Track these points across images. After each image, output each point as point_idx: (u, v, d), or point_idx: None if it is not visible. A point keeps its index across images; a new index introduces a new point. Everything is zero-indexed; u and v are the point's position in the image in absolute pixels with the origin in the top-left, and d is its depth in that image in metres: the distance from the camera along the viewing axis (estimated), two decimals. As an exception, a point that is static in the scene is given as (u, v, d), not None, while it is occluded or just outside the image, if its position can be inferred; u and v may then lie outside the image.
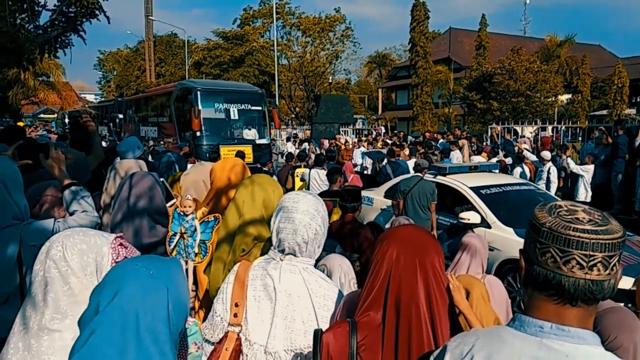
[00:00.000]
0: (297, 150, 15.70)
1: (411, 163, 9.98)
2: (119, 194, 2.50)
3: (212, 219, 2.33)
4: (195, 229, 2.29)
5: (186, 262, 2.21)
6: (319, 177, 7.81)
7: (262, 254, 1.92)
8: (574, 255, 0.96)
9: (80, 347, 0.99)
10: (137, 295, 1.04)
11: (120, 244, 1.47)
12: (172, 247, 2.31)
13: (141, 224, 2.48)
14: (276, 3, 30.29)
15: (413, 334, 1.30)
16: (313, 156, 11.32)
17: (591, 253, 0.95)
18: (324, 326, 1.54)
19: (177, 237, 2.27)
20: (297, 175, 8.83)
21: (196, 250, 2.27)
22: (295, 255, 1.67)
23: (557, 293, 0.97)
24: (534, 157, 10.55)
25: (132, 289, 1.05)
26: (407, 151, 12.07)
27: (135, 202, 2.47)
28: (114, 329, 1.00)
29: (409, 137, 20.38)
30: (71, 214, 2.33)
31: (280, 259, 1.67)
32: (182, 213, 2.33)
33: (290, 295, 1.61)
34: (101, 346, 0.99)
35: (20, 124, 25.68)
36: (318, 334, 1.40)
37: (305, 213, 1.66)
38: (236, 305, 1.64)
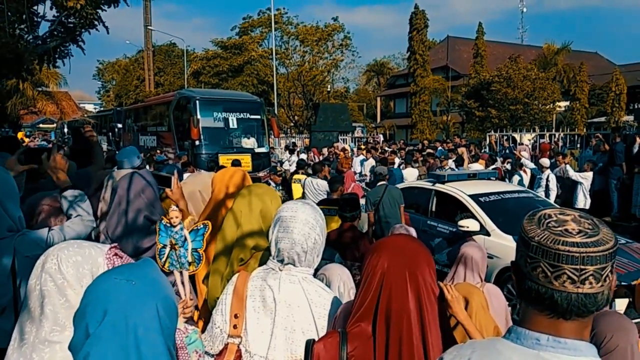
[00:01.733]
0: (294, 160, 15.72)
1: (407, 171, 10.03)
2: (113, 199, 2.51)
3: (202, 226, 2.33)
4: (186, 239, 2.29)
5: (181, 273, 2.21)
6: (312, 186, 7.82)
7: (260, 264, 1.91)
8: (564, 269, 0.94)
9: None
10: (128, 311, 1.02)
11: (115, 254, 1.46)
12: (163, 259, 2.31)
13: (137, 227, 2.48)
14: (274, 13, 30.43)
15: (404, 345, 1.29)
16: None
17: (582, 267, 0.93)
18: None
19: (168, 248, 2.27)
20: (295, 182, 8.85)
21: (189, 259, 2.27)
22: (294, 265, 1.66)
23: (550, 307, 0.96)
24: (532, 165, 10.56)
25: (121, 306, 1.02)
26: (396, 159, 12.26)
27: (130, 205, 2.47)
28: (109, 349, 0.98)
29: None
30: (68, 218, 2.32)
31: (280, 269, 1.66)
32: (168, 225, 2.33)
33: (290, 306, 1.60)
34: None
35: (20, 134, 25.74)
36: (309, 345, 1.40)
37: (304, 222, 1.65)
38: (235, 316, 1.63)
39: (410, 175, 9.81)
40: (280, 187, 8.81)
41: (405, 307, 1.31)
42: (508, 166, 10.99)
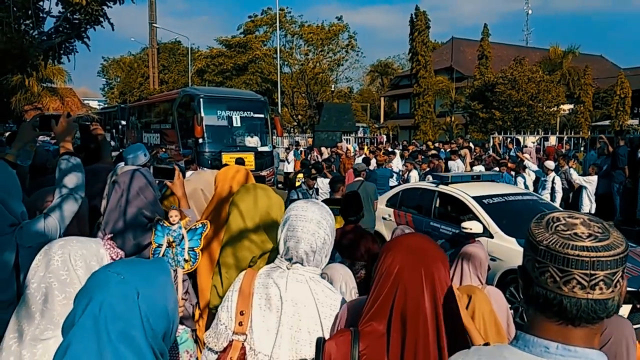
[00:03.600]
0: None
1: (413, 174, 10.12)
2: (112, 195, 2.49)
3: (200, 225, 2.33)
4: (183, 237, 2.30)
5: (175, 271, 2.20)
6: (319, 185, 7.84)
7: (267, 263, 1.90)
8: (574, 275, 0.91)
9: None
10: (106, 303, 1.03)
11: (112, 245, 1.49)
12: (159, 257, 2.32)
13: (136, 225, 2.47)
14: (278, 12, 30.41)
15: (419, 346, 1.28)
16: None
17: (592, 272, 0.90)
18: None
19: (163, 247, 2.28)
20: (299, 181, 8.85)
21: (186, 257, 2.27)
22: (302, 265, 1.65)
23: (558, 314, 0.93)
24: (535, 167, 10.53)
25: (102, 297, 1.04)
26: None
27: (130, 204, 2.45)
28: (89, 339, 0.99)
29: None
30: (58, 185, 2.27)
31: (287, 268, 1.65)
32: (165, 225, 2.34)
33: (297, 305, 1.59)
34: (80, 357, 0.98)
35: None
36: (320, 342, 1.39)
37: (313, 222, 1.65)
38: (241, 313, 1.62)
39: (414, 178, 9.92)
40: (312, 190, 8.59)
41: (422, 307, 1.30)
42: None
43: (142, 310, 1.05)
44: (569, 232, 0.94)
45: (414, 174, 10.18)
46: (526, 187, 9.24)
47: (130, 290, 1.06)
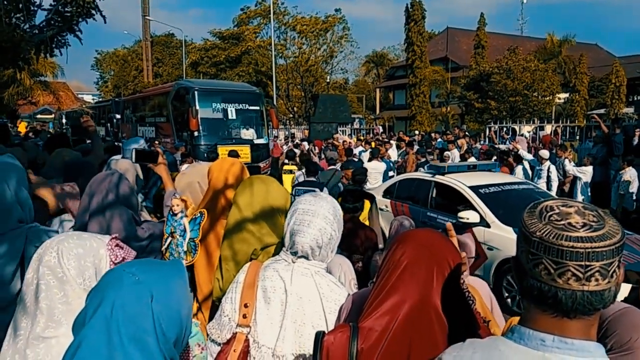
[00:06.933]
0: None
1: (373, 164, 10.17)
2: (95, 194, 2.39)
3: (198, 214, 2.29)
4: (185, 228, 2.27)
5: None
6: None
7: (272, 256, 1.88)
8: (568, 266, 0.88)
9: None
10: (118, 304, 0.99)
11: (117, 245, 1.43)
12: (164, 248, 2.28)
13: (117, 223, 2.41)
14: (272, 3, 30.17)
15: (424, 341, 1.24)
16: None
17: (587, 263, 0.88)
18: None
19: (168, 238, 2.25)
20: (285, 173, 8.84)
21: (185, 248, 2.24)
22: (307, 259, 1.64)
23: (553, 306, 0.91)
24: (529, 157, 10.55)
25: (114, 297, 1.00)
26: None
27: (110, 201, 2.38)
28: (100, 340, 0.96)
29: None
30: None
31: (292, 261, 1.64)
32: (173, 214, 2.31)
33: (301, 299, 1.57)
34: (89, 358, 0.95)
35: (23, 123, 25.67)
36: (319, 337, 1.36)
37: (321, 217, 1.63)
38: (245, 306, 1.60)
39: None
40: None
41: (431, 302, 1.26)
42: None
43: (155, 313, 1.01)
44: (562, 222, 0.91)
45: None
46: (527, 176, 9.27)
47: (145, 293, 1.02)
